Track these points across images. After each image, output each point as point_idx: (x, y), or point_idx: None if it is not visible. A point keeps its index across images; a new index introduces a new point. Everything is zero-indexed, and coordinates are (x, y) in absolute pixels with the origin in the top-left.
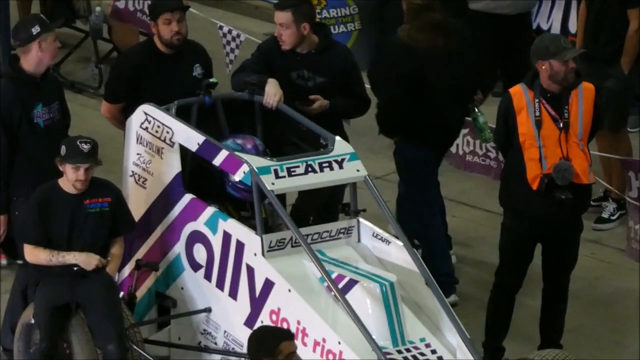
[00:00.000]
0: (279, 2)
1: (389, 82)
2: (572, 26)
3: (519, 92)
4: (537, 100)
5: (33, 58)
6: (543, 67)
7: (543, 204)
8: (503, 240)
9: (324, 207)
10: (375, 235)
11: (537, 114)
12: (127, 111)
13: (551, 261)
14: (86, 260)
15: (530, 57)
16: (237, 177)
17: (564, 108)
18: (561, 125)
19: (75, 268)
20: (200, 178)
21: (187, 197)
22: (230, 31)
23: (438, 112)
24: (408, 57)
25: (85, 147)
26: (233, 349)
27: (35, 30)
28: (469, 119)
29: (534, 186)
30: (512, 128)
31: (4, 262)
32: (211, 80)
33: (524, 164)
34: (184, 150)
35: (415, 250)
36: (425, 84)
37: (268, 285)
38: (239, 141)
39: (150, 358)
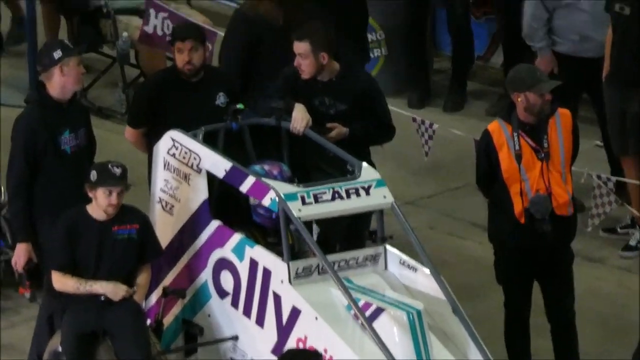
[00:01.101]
0: (297, 33)
1: (229, 51)
2: None
3: (497, 129)
4: (516, 134)
5: (56, 83)
6: (519, 100)
7: (528, 237)
8: (498, 276)
9: (349, 233)
10: (402, 262)
11: (517, 147)
12: (150, 136)
13: (548, 294)
14: (113, 290)
15: (506, 88)
16: (264, 202)
17: (543, 138)
18: (542, 155)
19: (102, 298)
20: (227, 204)
21: (214, 224)
22: None
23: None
24: (246, 26)
25: (117, 170)
26: None
27: (57, 54)
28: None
29: (521, 220)
30: (495, 165)
31: (27, 295)
32: (238, 106)
33: (510, 199)
34: (211, 176)
35: (443, 279)
36: (261, 55)
37: (295, 312)
38: (266, 167)
39: None
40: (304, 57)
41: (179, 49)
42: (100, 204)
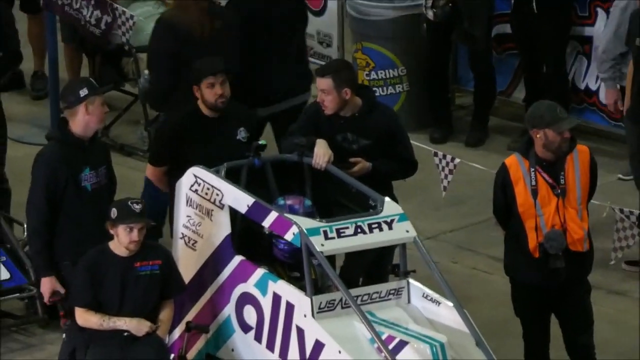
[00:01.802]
0: (320, 69)
1: (156, 59)
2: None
3: (514, 163)
4: (532, 170)
5: (80, 121)
6: (538, 136)
7: (541, 272)
8: (516, 309)
9: (372, 267)
10: (425, 296)
11: (534, 183)
12: (172, 174)
13: (565, 328)
14: (137, 326)
15: (525, 124)
16: (287, 237)
17: (560, 174)
18: (558, 191)
19: (125, 333)
20: (250, 239)
21: (237, 259)
22: None
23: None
24: (169, 35)
25: (137, 207)
26: None
27: (83, 92)
28: None
29: (536, 255)
30: (511, 199)
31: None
32: (260, 142)
33: (525, 234)
34: (233, 212)
35: (466, 312)
36: (183, 64)
37: (318, 346)
38: (288, 202)
39: None
40: (327, 93)
41: (211, 84)
42: (121, 241)
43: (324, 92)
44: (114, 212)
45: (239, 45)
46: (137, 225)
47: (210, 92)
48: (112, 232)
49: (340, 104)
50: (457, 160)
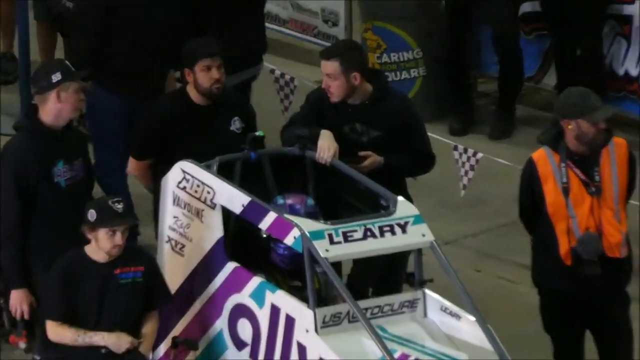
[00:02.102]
0: (325, 51)
1: (80, 17)
2: None
3: (542, 158)
4: (563, 165)
5: (51, 109)
6: (569, 127)
7: (574, 281)
8: (545, 323)
9: (383, 276)
10: (443, 309)
11: (565, 180)
12: (157, 169)
13: (601, 346)
14: (116, 342)
15: (554, 113)
16: (287, 241)
17: (594, 170)
18: (593, 190)
19: (103, 350)
20: (245, 243)
21: (231, 266)
22: (282, 75)
23: (124, 57)
24: None
25: (119, 206)
26: None
27: (56, 77)
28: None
29: (568, 261)
30: (539, 198)
31: (22, 345)
32: (257, 133)
33: (555, 238)
34: (226, 212)
35: (490, 327)
36: (113, 27)
37: None
38: (289, 201)
39: None
40: (333, 77)
41: (207, 67)
42: (103, 246)
43: (329, 77)
44: (92, 214)
45: (178, 13)
46: (120, 227)
47: (206, 76)
48: (90, 236)
49: (348, 90)
50: (480, 155)
